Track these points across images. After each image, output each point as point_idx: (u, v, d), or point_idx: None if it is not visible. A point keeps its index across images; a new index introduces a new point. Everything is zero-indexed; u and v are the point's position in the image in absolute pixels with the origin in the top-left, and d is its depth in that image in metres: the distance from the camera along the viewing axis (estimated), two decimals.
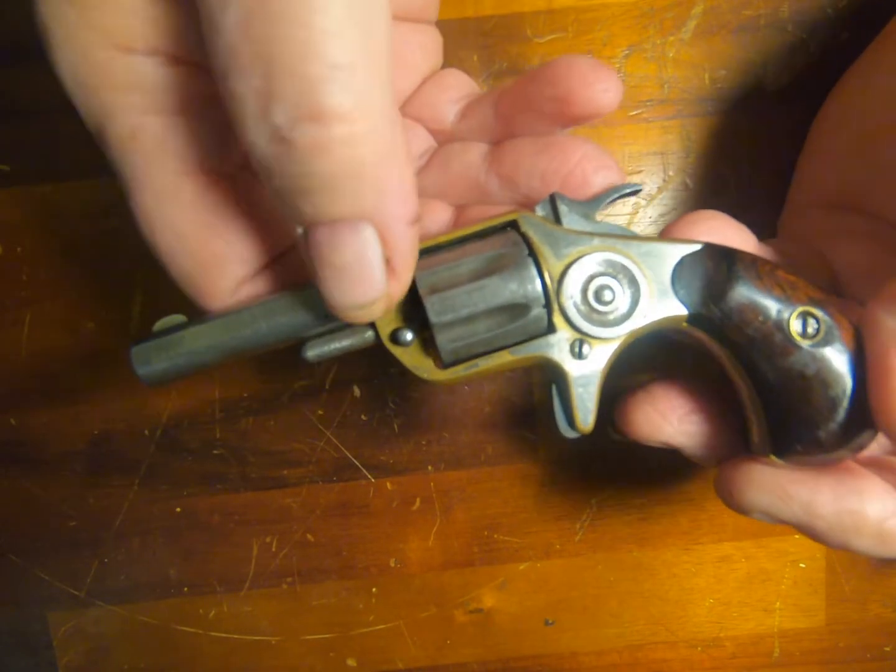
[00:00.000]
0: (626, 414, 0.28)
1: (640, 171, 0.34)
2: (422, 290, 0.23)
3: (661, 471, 0.37)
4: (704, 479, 0.37)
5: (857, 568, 0.38)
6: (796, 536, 0.38)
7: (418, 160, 0.29)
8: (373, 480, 0.37)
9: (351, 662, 0.39)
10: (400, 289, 0.22)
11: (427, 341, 0.24)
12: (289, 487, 0.37)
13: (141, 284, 0.35)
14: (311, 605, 0.38)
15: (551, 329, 0.24)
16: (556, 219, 0.25)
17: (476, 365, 0.24)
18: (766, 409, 0.24)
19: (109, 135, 0.21)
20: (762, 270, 0.24)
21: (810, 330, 0.23)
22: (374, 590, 0.38)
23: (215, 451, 0.37)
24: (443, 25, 0.30)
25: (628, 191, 0.25)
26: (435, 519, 0.37)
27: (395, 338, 0.24)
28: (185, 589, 0.38)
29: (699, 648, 0.39)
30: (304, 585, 0.38)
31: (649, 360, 0.35)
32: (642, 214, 0.35)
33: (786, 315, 0.23)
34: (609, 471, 0.37)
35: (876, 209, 0.28)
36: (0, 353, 0.36)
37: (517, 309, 0.23)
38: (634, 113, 0.34)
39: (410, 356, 0.24)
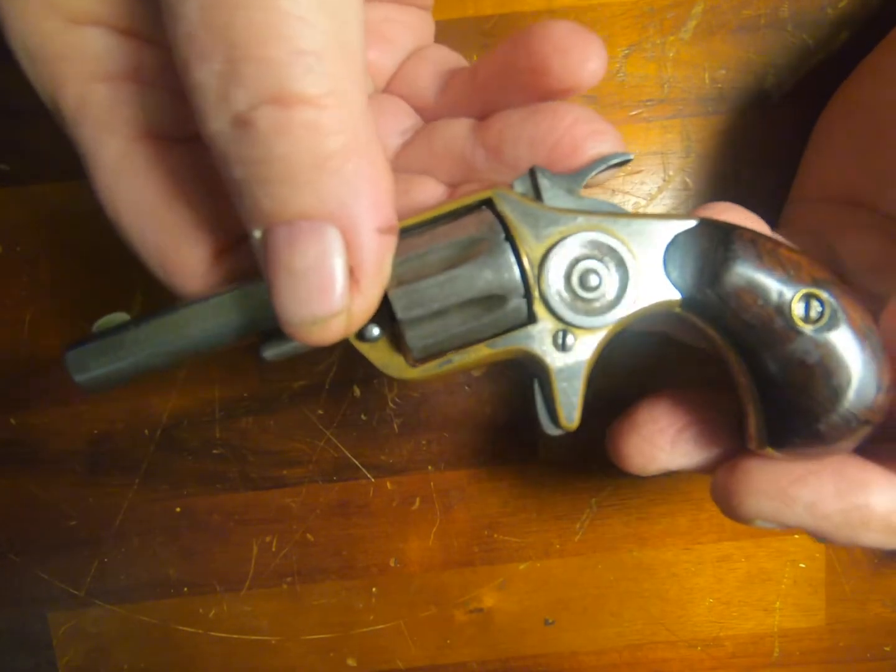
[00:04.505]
0: (615, 449, 0.26)
1: (640, 171, 0.34)
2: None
3: None
4: (704, 478, 0.37)
5: (857, 568, 0.38)
6: (796, 536, 0.38)
7: (402, 136, 0.27)
8: (373, 480, 0.37)
9: (351, 662, 0.39)
10: (364, 307, 0.20)
11: (396, 336, 0.22)
12: (289, 487, 0.37)
13: (141, 284, 0.35)
14: (311, 605, 0.38)
15: (532, 319, 0.22)
16: (537, 195, 0.23)
17: (450, 361, 0.22)
18: (764, 399, 0.22)
19: (61, 107, 0.21)
20: (763, 249, 0.22)
21: (813, 314, 0.21)
22: (374, 590, 0.38)
23: (215, 451, 0.37)
24: (443, 25, 0.30)
25: (617, 161, 0.23)
26: (435, 519, 0.37)
27: (360, 333, 0.22)
28: (185, 589, 0.38)
29: (699, 648, 0.39)
30: (304, 585, 0.38)
31: (633, 369, 0.35)
32: None
33: (787, 297, 0.21)
34: (609, 471, 0.37)
35: (882, 207, 0.28)
36: (0, 353, 0.36)
37: (493, 300, 0.22)
38: (634, 113, 0.34)
39: (378, 353, 0.22)
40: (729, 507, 0.24)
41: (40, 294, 0.35)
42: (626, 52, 0.33)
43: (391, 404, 0.36)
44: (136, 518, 0.37)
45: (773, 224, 0.33)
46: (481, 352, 0.22)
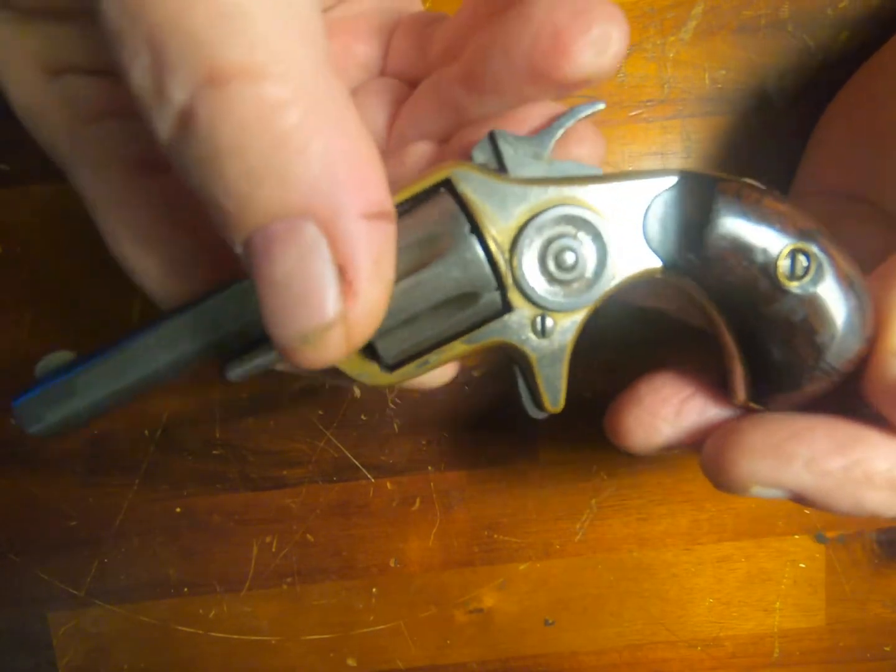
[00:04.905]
0: (614, 424, 0.25)
1: None
2: None
3: (661, 471, 0.37)
4: (705, 479, 0.37)
5: (857, 568, 0.38)
6: (796, 536, 0.38)
7: (392, 108, 0.25)
8: (373, 480, 0.37)
9: (351, 662, 0.39)
10: (364, 312, 0.16)
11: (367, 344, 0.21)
12: (289, 487, 0.37)
13: None
14: (311, 605, 0.38)
15: (507, 309, 0.21)
16: (500, 164, 0.20)
17: (427, 362, 0.21)
18: (747, 358, 0.22)
19: (60, 154, 0.21)
20: (747, 203, 0.20)
21: (799, 269, 0.20)
22: (374, 590, 0.38)
23: (215, 451, 0.37)
24: None
25: (586, 112, 0.21)
26: (435, 519, 0.37)
27: None
28: (185, 589, 0.38)
29: (699, 648, 0.39)
30: (304, 585, 0.38)
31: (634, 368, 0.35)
32: None
33: (773, 254, 0.20)
34: (609, 471, 0.37)
35: (882, 204, 0.28)
36: (0, 353, 0.36)
37: (465, 298, 0.20)
38: (634, 113, 0.34)
39: (350, 363, 0.21)
40: (722, 470, 0.22)
41: (40, 294, 0.35)
42: (627, 52, 0.33)
43: (391, 404, 0.36)
44: (136, 518, 0.37)
45: None
46: (458, 348, 0.21)
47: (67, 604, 0.38)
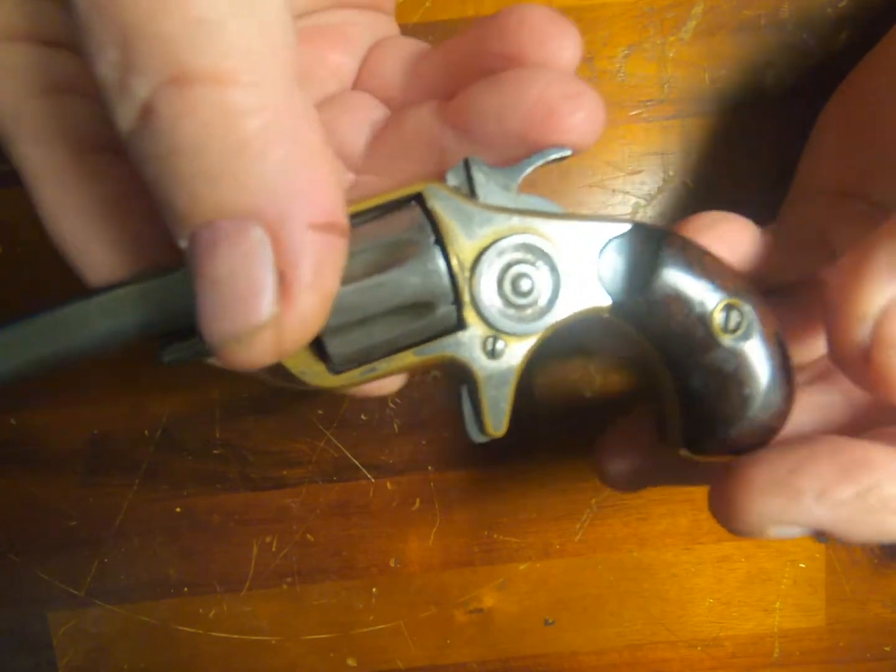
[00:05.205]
0: (597, 466, 0.26)
1: (640, 172, 0.34)
2: None
3: None
4: None
5: (857, 568, 0.38)
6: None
7: (372, 129, 0.26)
8: (373, 480, 0.37)
9: (351, 662, 0.39)
10: (297, 320, 0.17)
11: (316, 343, 0.20)
12: (289, 487, 0.37)
13: None
14: (311, 605, 0.38)
15: (461, 325, 0.21)
16: (471, 190, 0.21)
17: (374, 369, 0.21)
18: (683, 404, 0.23)
19: (3, 130, 0.20)
20: (690, 256, 0.22)
21: (732, 324, 0.21)
22: (374, 590, 0.38)
23: (215, 451, 0.37)
24: (443, 25, 0.30)
25: (555, 156, 0.21)
26: (435, 519, 0.37)
27: None
28: (185, 589, 0.38)
29: (699, 648, 0.39)
30: (304, 585, 0.38)
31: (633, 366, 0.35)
32: (642, 214, 0.35)
33: (709, 307, 0.21)
34: None
35: (873, 196, 0.28)
36: None
37: (421, 307, 0.20)
38: (634, 113, 0.34)
39: (295, 360, 0.21)
40: (733, 514, 0.21)
41: (40, 294, 0.35)
42: (626, 52, 0.33)
43: (391, 404, 0.36)
44: (136, 518, 0.37)
45: (772, 221, 0.33)
46: (407, 359, 0.21)
47: (67, 604, 0.38)
